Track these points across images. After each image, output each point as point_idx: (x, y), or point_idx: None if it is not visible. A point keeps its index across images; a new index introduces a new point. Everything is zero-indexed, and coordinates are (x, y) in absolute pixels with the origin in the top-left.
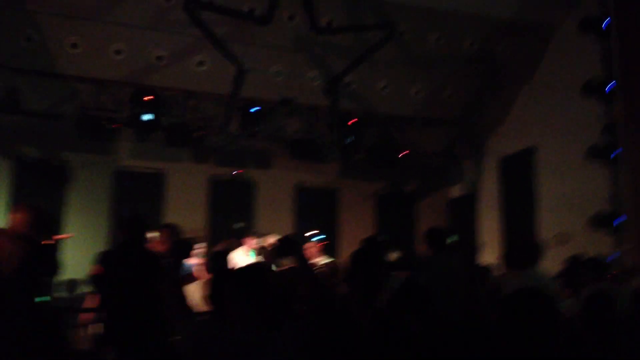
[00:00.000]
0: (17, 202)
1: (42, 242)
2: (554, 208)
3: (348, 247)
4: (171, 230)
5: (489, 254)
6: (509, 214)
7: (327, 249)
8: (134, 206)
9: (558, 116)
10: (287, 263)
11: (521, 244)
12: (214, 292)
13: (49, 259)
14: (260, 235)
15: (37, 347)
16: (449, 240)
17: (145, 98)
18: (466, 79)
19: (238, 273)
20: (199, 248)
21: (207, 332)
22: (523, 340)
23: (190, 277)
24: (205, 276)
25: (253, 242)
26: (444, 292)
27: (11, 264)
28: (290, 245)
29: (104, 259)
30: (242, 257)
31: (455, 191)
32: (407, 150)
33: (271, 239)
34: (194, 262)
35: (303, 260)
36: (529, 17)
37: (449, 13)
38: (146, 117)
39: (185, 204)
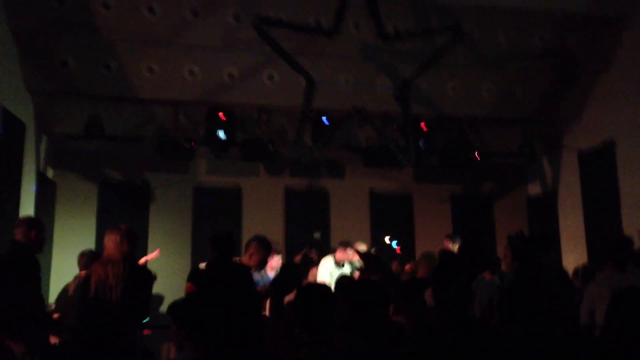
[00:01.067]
0: (103, 223)
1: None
2: (638, 203)
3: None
4: (259, 243)
5: (574, 253)
6: (591, 211)
7: (405, 254)
8: (213, 221)
9: (637, 107)
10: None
11: (618, 242)
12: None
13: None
14: (346, 245)
15: None
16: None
17: (220, 115)
18: (538, 74)
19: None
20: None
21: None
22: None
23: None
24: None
25: (346, 253)
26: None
27: (118, 290)
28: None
29: (196, 277)
30: (329, 268)
31: (534, 190)
32: (481, 151)
33: (361, 247)
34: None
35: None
36: (600, 9)
37: (516, 10)
38: (221, 134)
39: (262, 217)
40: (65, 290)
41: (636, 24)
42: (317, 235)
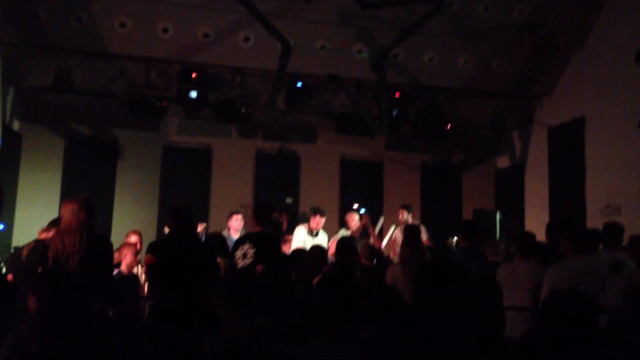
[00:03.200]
0: (69, 179)
1: None
2: (603, 179)
3: (392, 220)
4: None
5: (537, 227)
6: (558, 184)
7: (372, 221)
8: (182, 181)
9: (609, 85)
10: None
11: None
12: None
13: None
14: (317, 212)
15: None
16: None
17: (193, 75)
18: (515, 48)
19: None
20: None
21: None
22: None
23: None
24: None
25: (319, 221)
26: None
27: (75, 259)
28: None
29: (155, 249)
30: (303, 237)
31: (503, 162)
32: (454, 122)
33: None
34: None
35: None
36: None
37: None
38: (193, 94)
39: (232, 178)
40: (18, 255)
41: (613, 4)
42: (289, 200)
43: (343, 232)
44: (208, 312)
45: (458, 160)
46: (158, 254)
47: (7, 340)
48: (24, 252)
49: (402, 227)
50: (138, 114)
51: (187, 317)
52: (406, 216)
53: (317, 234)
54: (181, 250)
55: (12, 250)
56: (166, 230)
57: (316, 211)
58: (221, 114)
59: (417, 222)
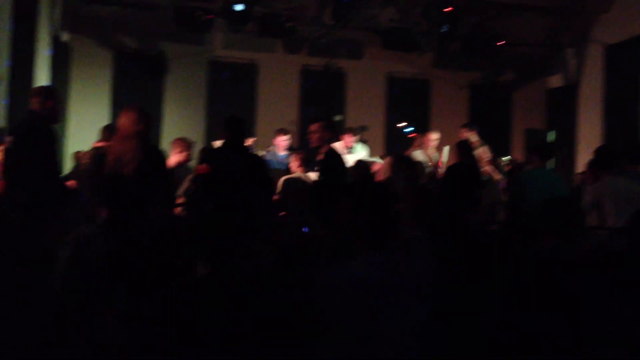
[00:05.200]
0: (118, 91)
1: None
2: None
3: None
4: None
5: (589, 147)
6: (612, 106)
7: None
8: (228, 96)
9: None
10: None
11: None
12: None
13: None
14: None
15: None
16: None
17: None
18: None
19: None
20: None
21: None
22: None
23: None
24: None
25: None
26: None
27: (132, 165)
28: None
29: (210, 158)
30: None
31: (555, 82)
32: (505, 39)
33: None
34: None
35: None
36: None
37: None
38: (238, 7)
39: (277, 94)
40: (77, 164)
41: None
42: (338, 118)
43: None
44: (258, 223)
45: (508, 79)
46: (212, 163)
47: (67, 241)
48: (84, 160)
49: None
50: (183, 26)
51: (238, 226)
52: (467, 135)
53: (350, 151)
54: (234, 162)
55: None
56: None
57: (277, 130)
58: (266, 28)
59: (479, 141)
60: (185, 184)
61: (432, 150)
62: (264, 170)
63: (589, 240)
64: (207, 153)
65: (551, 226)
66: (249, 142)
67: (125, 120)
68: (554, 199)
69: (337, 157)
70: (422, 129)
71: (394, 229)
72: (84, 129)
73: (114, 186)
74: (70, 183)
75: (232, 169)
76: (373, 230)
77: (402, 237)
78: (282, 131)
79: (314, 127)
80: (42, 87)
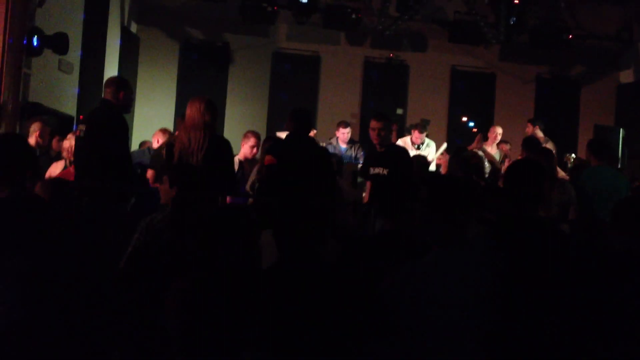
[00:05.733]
0: (184, 81)
1: None
2: None
3: (504, 135)
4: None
5: None
6: None
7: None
8: (291, 88)
9: None
10: None
11: None
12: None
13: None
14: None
15: None
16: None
17: None
18: None
19: None
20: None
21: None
22: None
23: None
24: None
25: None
26: None
27: (200, 155)
28: None
29: (276, 149)
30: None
31: (627, 77)
32: (575, 31)
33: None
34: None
35: None
36: None
37: None
38: None
39: (340, 87)
40: (148, 150)
41: None
42: (399, 111)
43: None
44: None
45: (577, 73)
46: (278, 155)
47: (140, 226)
48: (157, 145)
49: None
50: (249, 18)
51: (302, 221)
52: (532, 131)
53: (419, 147)
54: (300, 153)
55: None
56: (280, 134)
57: (418, 126)
58: (331, 20)
59: (546, 137)
60: (252, 177)
61: (494, 147)
62: (329, 163)
63: None
64: (272, 144)
65: (621, 226)
66: (311, 133)
67: (193, 111)
68: (626, 199)
69: (402, 152)
70: (487, 123)
71: (463, 226)
72: (150, 118)
73: (183, 171)
74: (149, 174)
75: (298, 160)
76: (445, 226)
77: (469, 234)
78: (343, 124)
79: (376, 124)
80: (115, 78)
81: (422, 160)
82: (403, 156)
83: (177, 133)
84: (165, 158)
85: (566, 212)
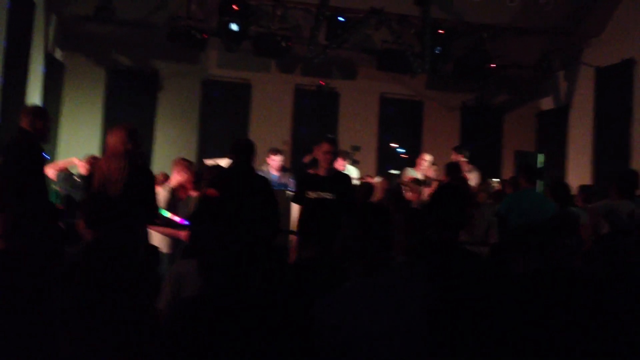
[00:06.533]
0: (111, 109)
1: None
2: None
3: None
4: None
5: (579, 170)
6: (603, 128)
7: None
8: (221, 115)
9: None
10: None
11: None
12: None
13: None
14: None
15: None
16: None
17: (234, 7)
18: None
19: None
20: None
21: None
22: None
23: None
24: None
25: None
26: None
27: (120, 185)
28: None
29: (218, 181)
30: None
31: (547, 104)
32: (497, 61)
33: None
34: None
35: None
36: None
37: None
38: (234, 26)
39: (271, 114)
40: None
41: None
42: (330, 137)
43: (411, 172)
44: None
45: (500, 101)
46: (219, 187)
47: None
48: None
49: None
50: (178, 45)
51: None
52: (457, 158)
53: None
54: (242, 185)
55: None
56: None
57: (270, 150)
58: (261, 48)
59: (470, 166)
60: (191, 206)
61: (424, 172)
62: (271, 193)
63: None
64: (215, 174)
65: (527, 249)
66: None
67: (115, 139)
68: (529, 223)
69: (348, 178)
70: (415, 149)
71: (387, 252)
72: (76, 146)
73: (99, 207)
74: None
75: (240, 192)
76: (367, 253)
77: (394, 260)
78: (275, 151)
79: (329, 147)
80: (32, 107)
81: (368, 188)
82: (349, 182)
83: (98, 162)
84: (83, 188)
85: (487, 236)
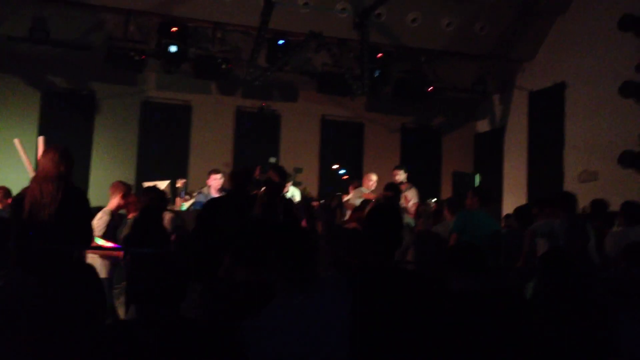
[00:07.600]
0: (45, 132)
1: None
2: (583, 146)
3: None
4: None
5: (515, 191)
6: (536, 149)
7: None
8: (161, 137)
9: (591, 51)
10: None
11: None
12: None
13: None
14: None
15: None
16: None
17: (173, 29)
18: (499, 11)
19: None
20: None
21: None
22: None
23: None
24: None
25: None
26: None
27: (51, 208)
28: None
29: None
30: None
31: (483, 126)
32: (435, 84)
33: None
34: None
35: None
36: None
37: None
38: (173, 48)
39: (212, 136)
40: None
41: None
42: (272, 160)
43: (365, 191)
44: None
45: (438, 123)
46: (214, 214)
47: None
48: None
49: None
50: (116, 66)
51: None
52: (402, 177)
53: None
54: (237, 212)
55: None
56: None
57: (210, 171)
58: (201, 70)
59: (408, 184)
60: (125, 230)
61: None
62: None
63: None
64: (209, 204)
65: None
66: (179, 184)
67: (46, 161)
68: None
69: (291, 202)
70: (356, 171)
71: (313, 269)
72: (8, 171)
73: (27, 234)
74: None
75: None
76: (293, 271)
77: (320, 277)
78: (215, 171)
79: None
80: None
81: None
82: (291, 206)
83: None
84: (12, 214)
85: (405, 255)
